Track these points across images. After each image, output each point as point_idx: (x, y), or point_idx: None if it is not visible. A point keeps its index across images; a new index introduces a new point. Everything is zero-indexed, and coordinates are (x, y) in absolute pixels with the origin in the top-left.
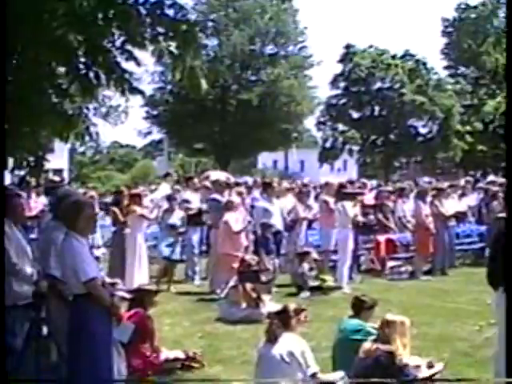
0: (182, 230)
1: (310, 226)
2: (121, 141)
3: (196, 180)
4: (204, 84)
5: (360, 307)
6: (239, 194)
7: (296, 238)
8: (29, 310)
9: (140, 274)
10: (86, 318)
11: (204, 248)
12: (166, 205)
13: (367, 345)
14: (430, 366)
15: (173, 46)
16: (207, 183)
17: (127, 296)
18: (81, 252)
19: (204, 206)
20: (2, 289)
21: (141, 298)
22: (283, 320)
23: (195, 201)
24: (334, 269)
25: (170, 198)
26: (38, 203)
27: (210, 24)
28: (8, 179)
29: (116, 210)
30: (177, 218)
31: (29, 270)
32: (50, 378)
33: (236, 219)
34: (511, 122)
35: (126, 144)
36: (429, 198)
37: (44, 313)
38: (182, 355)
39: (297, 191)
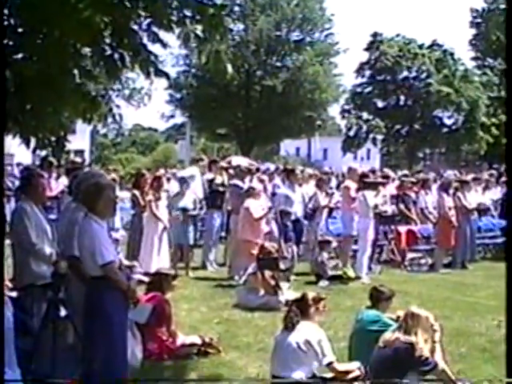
0: (194, 213)
1: (330, 215)
2: (143, 123)
3: (221, 163)
4: (230, 68)
5: (378, 298)
6: (261, 180)
7: (316, 226)
8: (47, 290)
9: (160, 258)
10: (102, 300)
11: (223, 234)
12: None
13: (387, 335)
14: None
15: (199, 29)
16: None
17: (145, 279)
18: (99, 235)
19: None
20: (2, 290)
21: (159, 281)
22: (301, 308)
23: (219, 180)
24: (354, 258)
25: (181, 181)
26: (58, 184)
27: (237, 9)
28: (29, 159)
29: (136, 192)
30: (189, 201)
31: (48, 250)
32: (66, 359)
33: (257, 206)
34: None
35: (148, 127)
36: (452, 191)
37: (62, 293)
38: (198, 341)
39: (317, 179)
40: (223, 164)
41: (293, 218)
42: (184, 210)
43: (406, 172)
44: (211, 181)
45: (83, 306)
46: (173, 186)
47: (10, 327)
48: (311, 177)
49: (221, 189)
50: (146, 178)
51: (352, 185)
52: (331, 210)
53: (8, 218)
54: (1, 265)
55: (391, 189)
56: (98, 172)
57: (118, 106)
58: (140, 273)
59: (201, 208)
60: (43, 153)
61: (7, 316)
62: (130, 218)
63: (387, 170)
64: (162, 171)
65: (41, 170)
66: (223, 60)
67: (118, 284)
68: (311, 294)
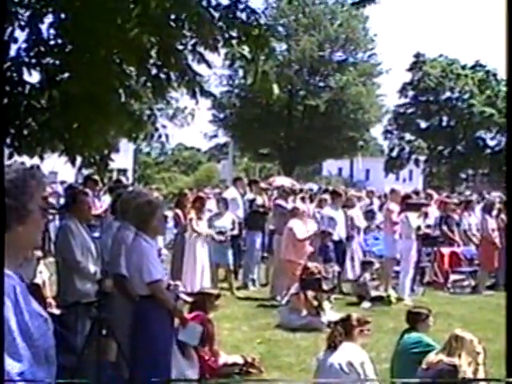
0: (232, 233)
1: (373, 236)
2: (186, 143)
3: (262, 184)
4: (276, 89)
5: (415, 319)
6: (302, 200)
7: (356, 247)
8: (91, 308)
9: (202, 278)
10: (148, 319)
11: (263, 254)
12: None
13: (431, 357)
14: None
15: (246, 49)
16: (272, 189)
17: (188, 299)
18: (148, 253)
19: (267, 207)
20: (2, 283)
21: (202, 301)
22: (346, 329)
23: (259, 201)
24: (397, 279)
25: (220, 201)
26: (102, 202)
27: (280, 29)
28: (73, 177)
29: (178, 211)
30: (227, 221)
31: (92, 268)
32: (109, 377)
33: (301, 226)
34: None
35: (190, 146)
36: (495, 212)
37: (107, 312)
38: (240, 360)
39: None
40: (263, 185)
41: (336, 238)
42: (223, 230)
43: (448, 194)
44: (252, 201)
45: (130, 323)
46: (214, 206)
47: (52, 345)
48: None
49: (261, 209)
50: (188, 197)
51: (395, 207)
52: (373, 231)
53: (52, 235)
54: (1, 265)
55: (434, 210)
56: (143, 191)
57: (164, 126)
58: (183, 292)
59: (240, 228)
60: (87, 171)
61: (49, 334)
62: (173, 237)
63: (431, 192)
64: (206, 191)
65: (85, 188)
66: (270, 80)
67: (165, 303)
68: (356, 316)
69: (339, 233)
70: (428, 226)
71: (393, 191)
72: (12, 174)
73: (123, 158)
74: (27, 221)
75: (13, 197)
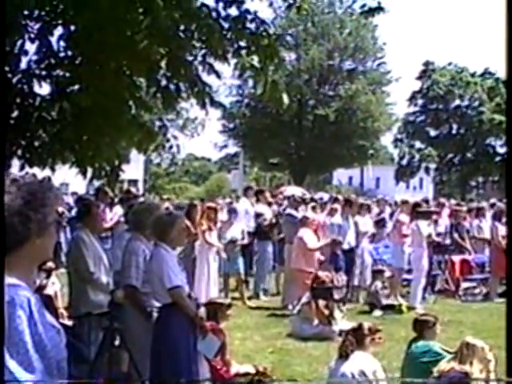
0: (242, 243)
1: (384, 244)
2: (196, 153)
3: (267, 194)
4: (286, 98)
5: (422, 327)
6: (313, 209)
7: (366, 255)
8: (103, 319)
9: (213, 288)
10: (170, 328)
11: (273, 263)
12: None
13: (443, 364)
14: None
15: (255, 60)
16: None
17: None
18: (168, 261)
19: (274, 220)
20: (2, 285)
21: (214, 311)
22: (357, 338)
23: (267, 214)
24: (407, 287)
25: (230, 211)
26: (113, 214)
27: (289, 38)
28: (84, 188)
29: (188, 222)
30: (237, 231)
31: (105, 279)
32: None
33: (311, 235)
34: (511, 124)
35: (201, 156)
36: (505, 219)
37: (118, 323)
38: (252, 370)
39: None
40: (268, 195)
41: (346, 247)
42: (232, 240)
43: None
44: (259, 215)
45: (141, 334)
46: (225, 217)
47: (64, 356)
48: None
49: (268, 220)
50: (198, 208)
51: (405, 218)
52: (383, 239)
53: (64, 247)
54: (1, 266)
55: (445, 218)
56: (154, 202)
57: (175, 137)
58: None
59: (253, 238)
60: (97, 182)
61: (61, 345)
62: (183, 247)
63: (443, 200)
64: (219, 201)
65: (96, 200)
66: (279, 90)
67: (186, 310)
68: (368, 325)
69: (349, 241)
70: (438, 234)
71: (404, 202)
72: (32, 186)
73: (134, 168)
74: (45, 233)
75: (34, 209)
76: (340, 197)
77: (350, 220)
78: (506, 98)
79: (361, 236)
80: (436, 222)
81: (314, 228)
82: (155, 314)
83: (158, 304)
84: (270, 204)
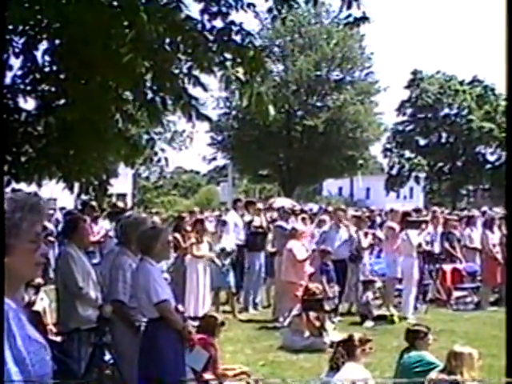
0: (232, 255)
1: (375, 255)
2: (185, 166)
3: (259, 205)
4: (272, 110)
5: (414, 338)
6: (303, 220)
7: (359, 266)
8: (92, 334)
9: (203, 301)
10: (158, 342)
11: (263, 275)
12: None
13: (433, 375)
14: None
15: (240, 72)
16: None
17: (192, 323)
18: (154, 274)
19: (265, 226)
20: (2, 289)
21: (208, 324)
22: (348, 349)
23: (258, 222)
24: (399, 298)
25: (219, 224)
26: (100, 228)
27: (276, 49)
28: (72, 203)
29: (177, 235)
30: (226, 244)
31: (93, 294)
32: None
33: (300, 247)
34: (511, 125)
35: (190, 169)
36: (497, 227)
37: (107, 338)
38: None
39: (356, 219)
40: (260, 206)
41: (335, 257)
42: (222, 252)
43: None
44: (249, 222)
45: (129, 348)
46: (214, 229)
47: (48, 372)
48: (354, 218)
49: (260, 230)
50: (187, 220)
51: (395, 227)
52: (376, 250)
53: (52, 262)
54: (1, 267)
55: (438, 228)
56: (141, 216)
57: (162, 150)
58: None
59: (242, 251)
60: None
61: (46, 361)
62: (173, 261)
63: (436, 208)
64: (206, 214)
65: (82, 215)
66: (265, 102)
67: (173, 324)
68: (358, 335)
69: (342, 252)
70: (428, 243)
71: (392, 211)
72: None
73: (122, 182)
74: (15, 252)
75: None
76: (330, 208)
77: (342, 230)
78: (506, 98)
79: (356, 248)
80: (423, 230)
81: (302, 240)
82: (143, 328)
83: (145, 318)
84: (259, 215)
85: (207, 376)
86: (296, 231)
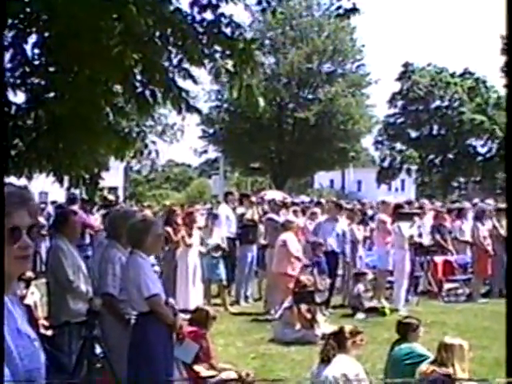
0: (223, 248)
1: (367, 247)
2: (176, 159)
3: (253, 198)
4: (262, 102)
5: (405, 330)
6: (294, 213)
7: (351, 259)
8: (83, 327)
9: (195, 294)
10: (148, 336)
11: (255, 268)
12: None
13: (424, 367)
14: None
15: (230, 64)
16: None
17: (183, 316)
18: (145, 268)
19: (257, 218)
20: (2, 285)
21: (201, 317)
22: (339, 341)
23: (250, 214)
24: (391, 290)
25: (210, 217)
26: (95, 220)
27: (267, 42)
28: (63, 197)
29: (168, 228)
30: (218, 237)
31: (84, 287)
32: None
33: (294, 240)
34: (511, 126)
35: (181, 162)
36: (488, 219)
37: (97, 331)
38: (234, 376)
39: (348, 212)
40: (254, 199)
41: (327, 250)
42: (213, 246)
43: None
44: (242, 215)
45: (119, 341)
46: (205, 222)
47: (38, 367)
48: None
49: (252, 223)
50: (178, 213)
51: (386, 219)
52: (367, 243)
53: (44, 256)
54: (0, 267)
55: (429, 220)
56: (131, 209)
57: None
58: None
59: (234, 243)
60: (77, 190)
61: (36, 355)
62: (163, 254)
63: (425, 201)
64: (197, 207)
65: (74, 208)
66: (255, 94)
67: (164, 318)
68: (348, 327)
69: (331, 244)
70: (420, 235)
71: (383, 202)
72: None
73: (114, 175)
74: None
75: None
76: (322, 200)
77: (335, 223)
78: (506, 98)
79: (351, 240)
80: (416, 223)
81: (296, 231)
82: (133, 322)
83: (135, 311)
84: (252, 208)
85: (198, 368)
86: (290, 223)
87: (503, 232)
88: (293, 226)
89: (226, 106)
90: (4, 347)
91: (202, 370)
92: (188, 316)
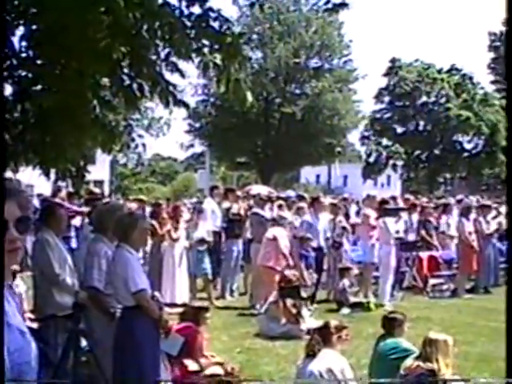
0: (209, 242)
1: (351, 242)
2: (162, 153)
3: (239, 192)
4: (249, 96)
5: (391, 325)
6: (280, 207)
7: (336, 253)
8: (68, 321)
9: (181, 288)
10: (134, 331)
11: (241, 262)
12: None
13: (409, 362)
14: None
15: (218, 58)
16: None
17: (169, 310)
18: (132, 263)
19: (243, 213)
20: (2, 285)
21: (193, 313)
22: (324, 336)
23: (236, 208)
24: (376, 285)
25: (195, 211)
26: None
27: (255, 37)
28: (49, 190)
29: (154, 222)
30: (203, 231)
31: (70, 280)
32: None
33: (284, 235)
34: None
35: (167, 156)
36: (473, 215)
37: (83, 324)
38: (220, 371)
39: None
40: (239, 193)
41: (314, 245)
42: (199, 240)
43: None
44: (227, 210)
45: (114, 336)
46: (190, 216)
47: (28, 361)
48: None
49: (238, 217)
50: (163, 207)
51: (371, 213)
52: (354, 239)
53: (29, 249)
54: (1, 267)
55: (415, 215)
56: (117, 203)
57: (140, 136)
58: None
59: (220, 238)
60: (63, 183)
61: (26, 349)
62: (149, 248)
63: (410, 197)
64: (185, 201)
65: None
66: (243, 88)
67: (150, 312)
68: (334, 322)
69: (319, 240)
70: (406, 231)
71: (368, 197)
72: None
73: (100, 169)
74: None
75: None
76: (306, 195)
77: (321, 218)
78: (506, 98)
79: (338, 235)
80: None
81: (286, 227)
82: (119, 316)
83: (120, 305)
84: (237, 203)
85: (185, 361)
86: (282, 218)
87: (484, 227)
88: (284, 222)
89: (212, 100)
90: (4, 349)
91: (190, 363)
92: (174, 310)
